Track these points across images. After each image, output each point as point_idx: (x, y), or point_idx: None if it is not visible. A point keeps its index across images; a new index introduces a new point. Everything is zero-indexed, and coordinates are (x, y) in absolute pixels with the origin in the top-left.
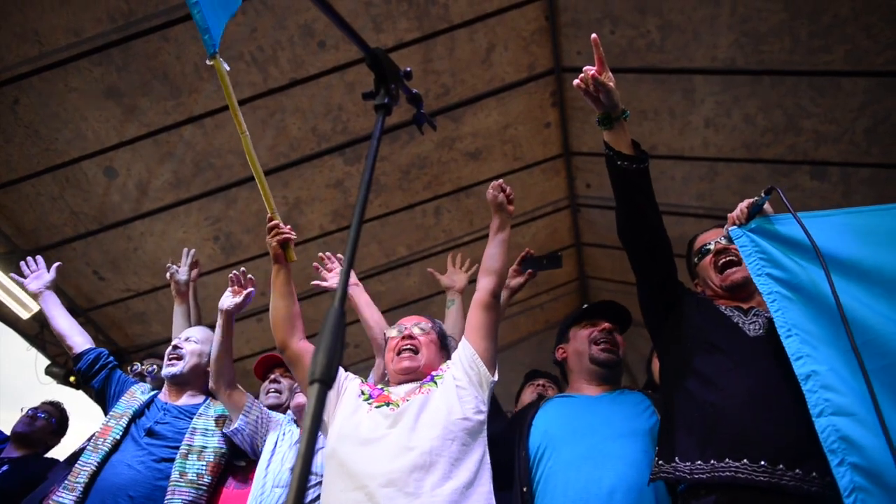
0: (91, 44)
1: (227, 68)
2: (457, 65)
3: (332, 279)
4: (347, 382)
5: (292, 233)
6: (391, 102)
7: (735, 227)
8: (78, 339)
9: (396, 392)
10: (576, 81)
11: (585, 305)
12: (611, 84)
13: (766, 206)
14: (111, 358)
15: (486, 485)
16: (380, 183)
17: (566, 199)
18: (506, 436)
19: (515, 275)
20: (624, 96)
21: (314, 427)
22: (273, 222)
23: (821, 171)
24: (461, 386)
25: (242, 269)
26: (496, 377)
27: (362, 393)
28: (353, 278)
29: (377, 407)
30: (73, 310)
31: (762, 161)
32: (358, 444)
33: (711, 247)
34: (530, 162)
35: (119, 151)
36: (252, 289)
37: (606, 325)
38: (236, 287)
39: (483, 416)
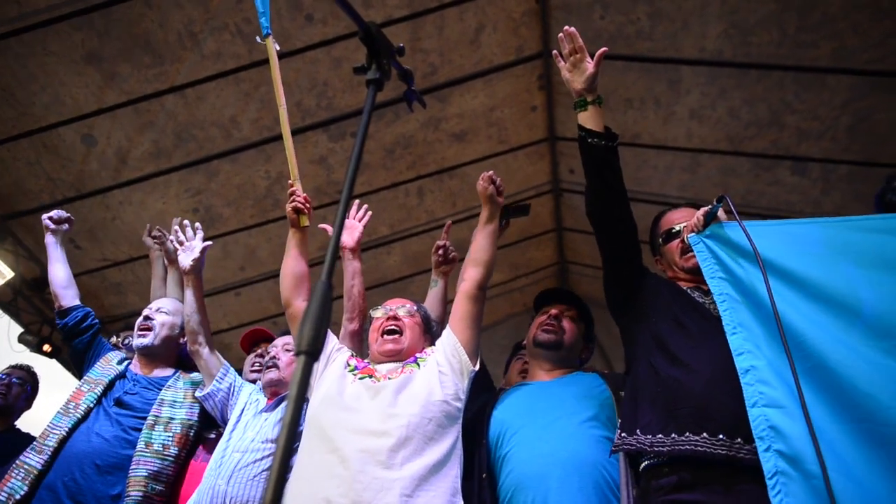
0: (72, 6)
1: (278, 48)
2: (445, 44)
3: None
4: (337, 353)
5: (307, 201)
6: (383, 78)
7: (693, 234)
8: (70, 291)
9: (379, 369)
10: (560, 35)
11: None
12: (590, 66)
13: (721, 213)
14: (97, 321)
15: (455, 469)
16: (363, 161)
17: (549, 183)
18: (469, 427)
19: None
20: (610, 83)
21: (300, 397)
22: (292, 188)
23: (802, 166)
24: (443, 372)
25: (183, 220)
26: (477, 367)
27: (348, 364)
28: (352, 243)
29: (360, 378)
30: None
31: (744, 154)
32: (339, 409)
33: (679, 229)
34: (515, 145)
35: (98, 118)
36: (209, 243)
37: (553, 310)
38: (180, 245)
39: (461, 405)
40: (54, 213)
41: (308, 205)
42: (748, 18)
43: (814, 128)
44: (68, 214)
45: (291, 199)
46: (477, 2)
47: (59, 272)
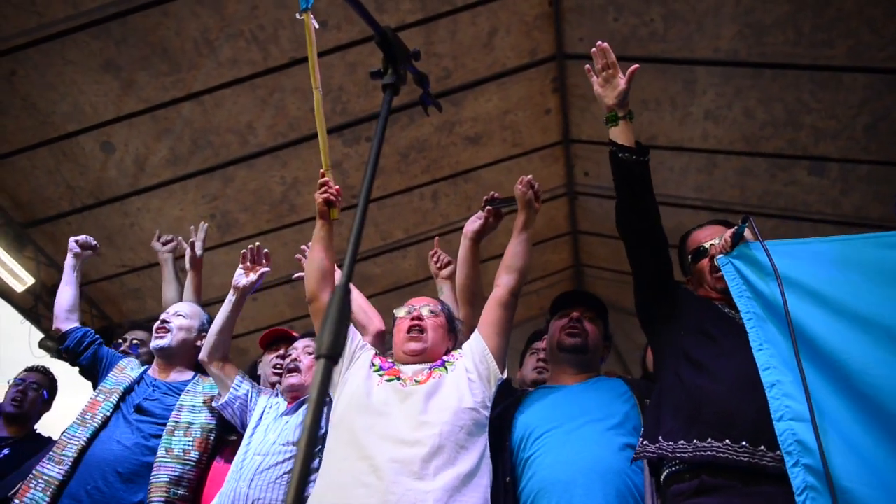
0: (89, 16)
1: (317, 26)
2: (458, 48)
3: None
4: (361, 351)
5: (339, 194)
6: (399, 82)
7: (721, 255)
8: (72, 315)
9: (405, 370)
10: (594, 49)
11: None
12: (622, 82)
13: (747, 232)
14: (97, 336)
15: (485, 478)
16: (378, 165)
17: (564, 186)
18: (492, 430)
19: (475, 219)
20: None
21: (320, 400)
22: (323, 179)
23: (819, 166)
24: (472, 379)
25: (258, 244)
26: (505, 375)
27: (373, 364)
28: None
29: (388, 381)
30: None
31: (761, 155)
32: (368, 414)
33: (707, 247)
34: (529, 148)
35: (116, 126)
36: (267, 268)
37: (575, 313)
38: (248, 264)
39: (488, 413)
40: (82, 237)
41: (339, 197)
42: (763, 19)
43: (831, 127)
44: (96, 243)
45: (323, 189)
46: (490, 5)
47: (68, 296)
